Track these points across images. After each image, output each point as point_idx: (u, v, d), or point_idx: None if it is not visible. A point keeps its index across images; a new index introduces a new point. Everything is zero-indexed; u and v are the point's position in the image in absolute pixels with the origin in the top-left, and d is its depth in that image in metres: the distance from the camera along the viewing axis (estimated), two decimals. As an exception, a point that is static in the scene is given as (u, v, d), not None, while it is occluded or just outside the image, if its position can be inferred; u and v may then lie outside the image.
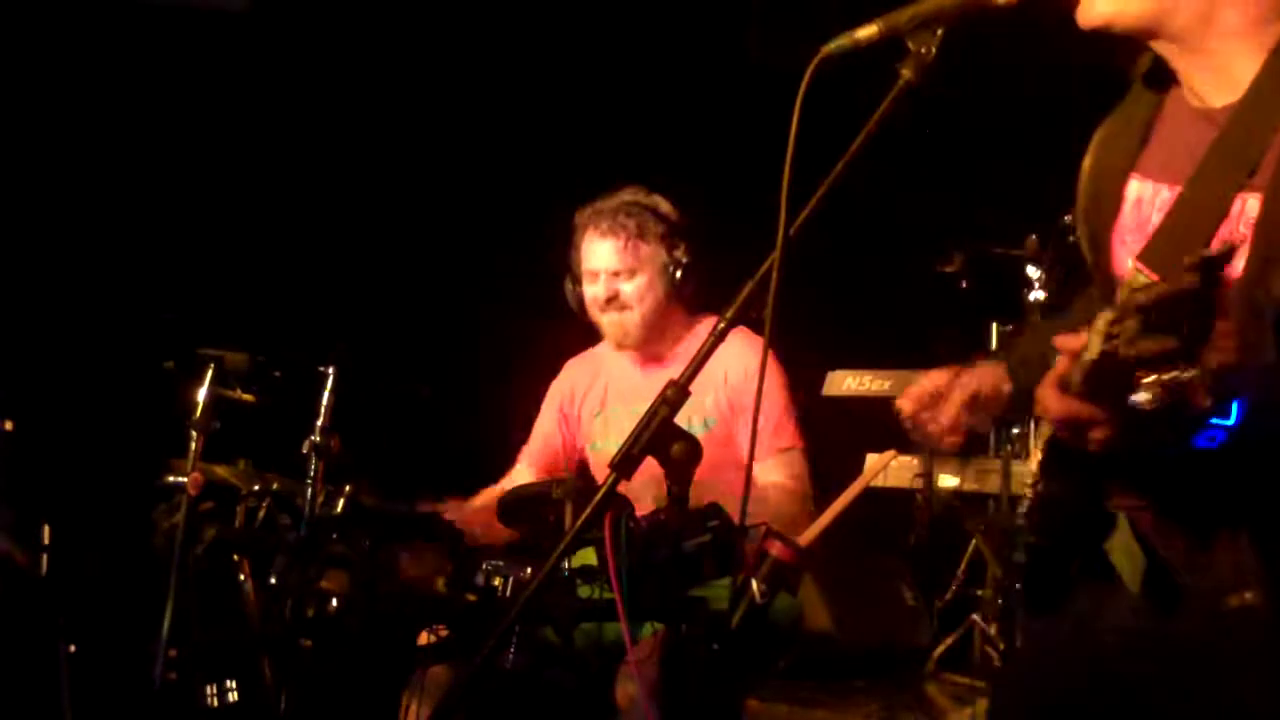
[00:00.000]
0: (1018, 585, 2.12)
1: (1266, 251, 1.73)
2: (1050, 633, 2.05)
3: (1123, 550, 1.90)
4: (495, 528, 3.41)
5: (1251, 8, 1.83)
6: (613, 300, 3.64)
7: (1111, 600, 1.94)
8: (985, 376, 2.16)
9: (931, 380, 2.16)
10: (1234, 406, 1.63)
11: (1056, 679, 2.03)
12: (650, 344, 3.69)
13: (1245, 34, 1.84)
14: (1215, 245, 1.69)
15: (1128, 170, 1.96)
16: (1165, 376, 1.49)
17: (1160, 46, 1.91)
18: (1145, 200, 1.93)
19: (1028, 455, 4.08)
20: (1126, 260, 1.93)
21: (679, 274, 3.64)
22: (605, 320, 3.68)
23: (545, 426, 3.87)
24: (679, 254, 3.65)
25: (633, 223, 3.62)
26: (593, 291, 3.68)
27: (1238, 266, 1.74)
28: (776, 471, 3.55)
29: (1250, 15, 1.83)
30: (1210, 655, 1.85)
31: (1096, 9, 1.87)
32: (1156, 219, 1.90)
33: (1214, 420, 1.63)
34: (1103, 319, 1.51)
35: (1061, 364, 1.68)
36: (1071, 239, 2.24)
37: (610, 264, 3.63)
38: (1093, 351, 1.52)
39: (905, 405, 2.16)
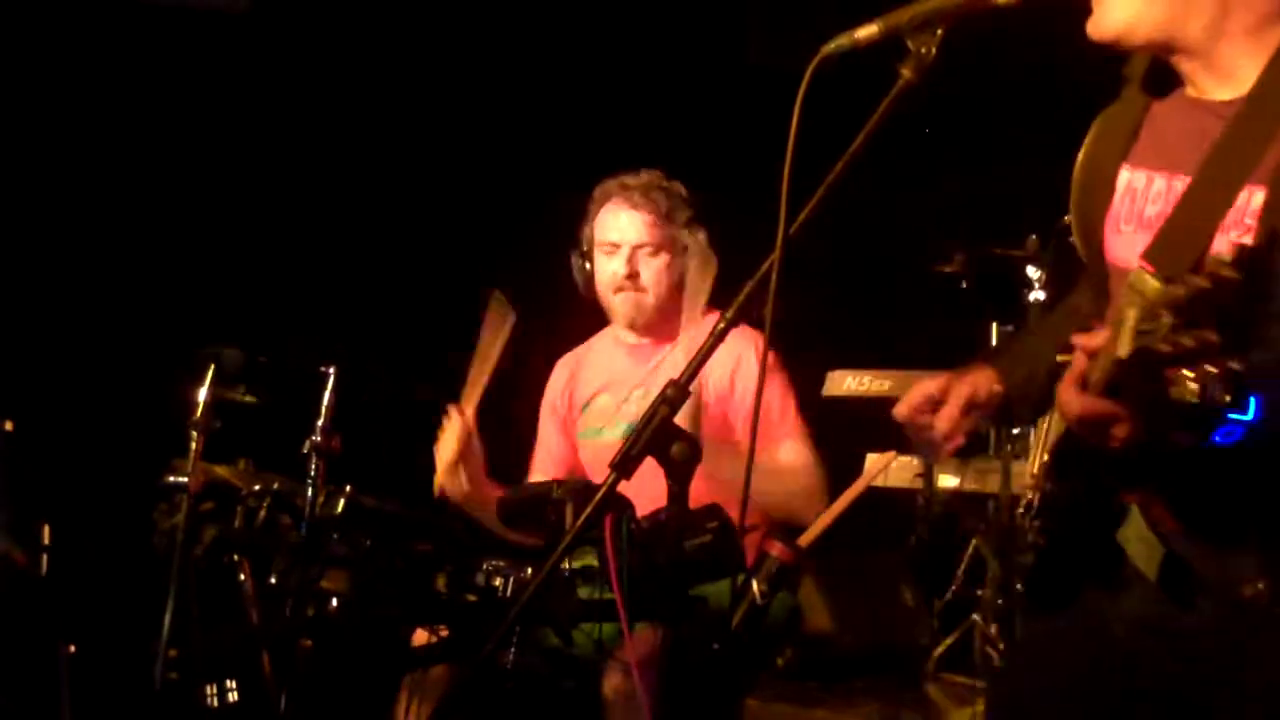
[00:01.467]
0: (1018, 585, 2.13)
1: (1270, 241, 1.73)
2: (1058, 629, 2.05)
3: (1138, 539, 1.91)
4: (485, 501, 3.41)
5: (1257, 10, 1.85)
6: (633, 277, 3.60)
7: (1124, 593, 1.94)
8: (979, 380, 2.16)
9: (927, 386, 2.16)
10: (1252, 402, 1.63)
11: (1067, 672, 2.03)
12: (654, 327, 3.67)
13: (1249, 35, 1.86)
14: (1251, 238, 1.72)
15: (1120, 160, 1.98)
16: (1210, 369, 1.48)
17: (1166, 54, 1.92)
18: (1139, 189, 1.95)
19: (1028, 455, 4.08)
20: (1119, 248, 1.96)
21: (696, 260, 3.62)
22: (618, 298, 3.64)
23: (546, 434, 3.86)
24: (701, 239, 3.64)
25: (664, 201, 3.60)
26: (610, 266, 3.63)
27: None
28: (787, 452, 3.52)
29: (1256, 16, 1.86)
30: (1225, 645, 1.86)
31: (1108, 21, 1.89)
32: (1152, 209, 1.92)
33: (1233, 415, 1.64)
34: (1131, 316, 1.51)
35: (1079, 362, 1.69)
36: (1071, 238, 2.25)
37: (636, 237, 3.59)
38: (1123, 350, 1.52)
39: (902, 412, 2.17)
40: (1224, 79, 1.89)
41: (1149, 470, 1.84)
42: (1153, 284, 1.61)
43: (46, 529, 3.90)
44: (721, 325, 1.98)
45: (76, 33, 4.81)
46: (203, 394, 3.34)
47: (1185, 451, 1.72)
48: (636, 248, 3.59)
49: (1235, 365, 1.47)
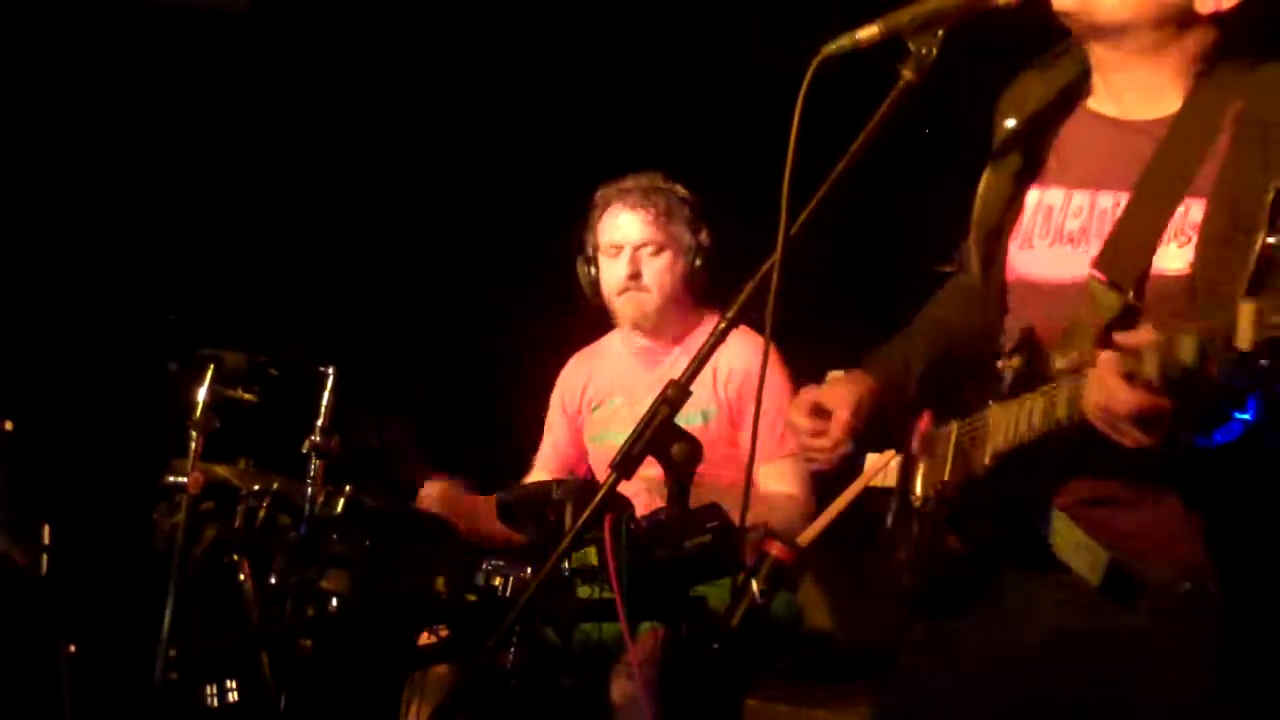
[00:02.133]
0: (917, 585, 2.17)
1: (1209, 252, 1.83)
2: (969, 637, 2.07)
3: (1074, 547, 1.94)
4: (486, 524, 3.41)
5: (1203, 41, 1.93)
6: (635, 278, 3.61)
7: (1040, 598, 1.98)
8: (861, 388, 2.22)
9: (810, 394, 2.22)
10: (1250, 402, 1.69)
11: (975, 675, 2.06)
12: (661, 327, 3.67)
13: (1187, 61, 1.94)
14: (1192, 248, 1.83)
15: (1025, 181, 2.07)
16: None
17: (1105, 53, 1.98)
18: (1055, 206, 2.02)
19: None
20: (1028, 263, 2.04)
21: (698, 260, 3.63)
22: (622, 300, 3.64)
23: (553, 431, 3.86)
24: (703, 237, 3.65)
25: (663, 200, 3.62)
26: (614, 269, 3.63)
27: (1181, 264, 1.86)
28: (785, 478, 3.54)
29: (1199, 47, 1.93)
30: (1159, 645, 1.90)
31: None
32: (1074, 223, 1.99)
33: (1236, 415, 1.70)
34: (1248, 310, 1.54)
35: (1115, 359, 1.71)
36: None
37: (638, 237, 3.60)
38: (1245, 342, 1.54)
39: (801, 424, 2.21)
40: (1149, 99, 1.96)
41: (1107, 470, 1.89)
42: (1102, 289, 1.81)
43: (46, 529, 3.89)
44: (722, 325, 1.98)
45: (76, 33, 4.81)
46: (202, 394, 3.34)
47: (1181, 450, 1.77)
48: (638, 248, 3.60)
49: None
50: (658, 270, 3.61)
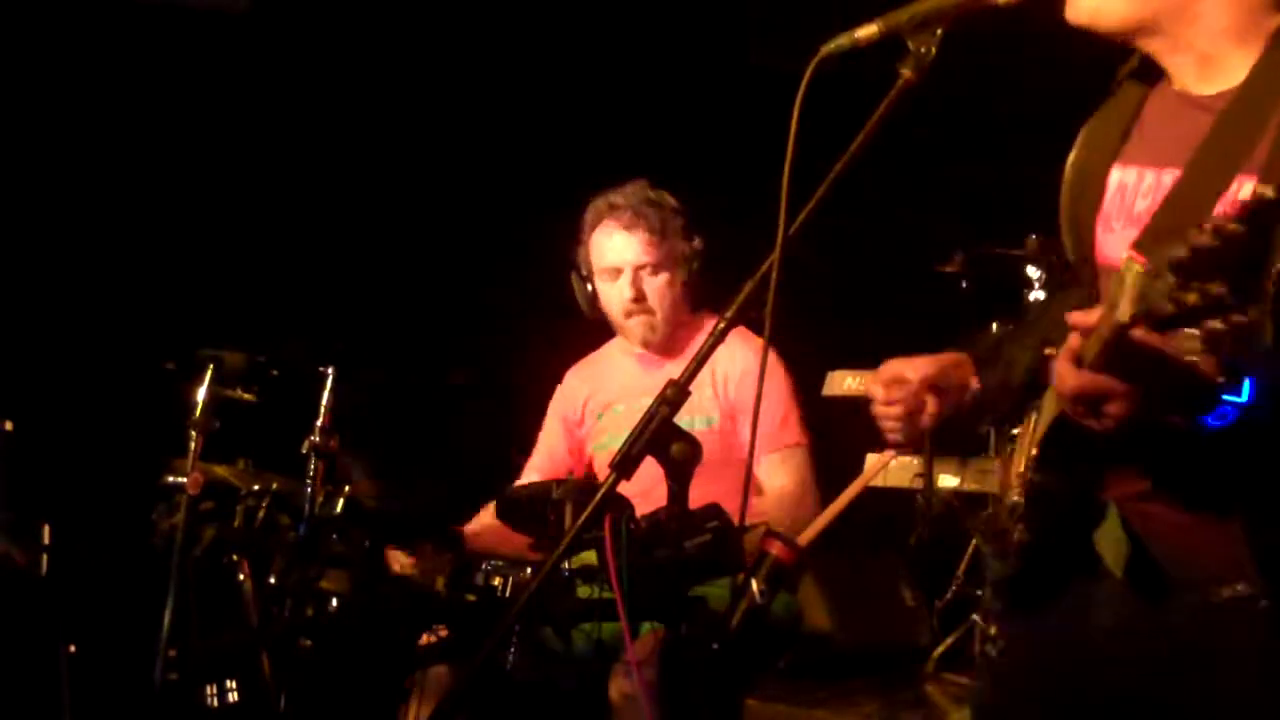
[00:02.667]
0: (996, 582, 2.14)
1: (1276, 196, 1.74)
2: (1039, 630, 2.05)
3: (1109, 538, 1.91)
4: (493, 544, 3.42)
5: (1235, 6, 1.86)
6: (639, 300, 3.59)
7: (1100, 594, 1.94)
8: (951, 365, 2.16)
9: (895, 366, 2.17)
10: (1246, 383, 1.64)
11: (1046, 677, 2.03)
12: (667, 339, 3.67)
13: (1235, 29, 1.87)
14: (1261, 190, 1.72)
15: (1111, 160, 1.99)
16: (1217, 325, 1.46)
17: (1147, 43, 1.93)
18: (1129, 186, 1.96)
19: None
20: (1111, 245, 1.96)
21: (695, 266, 3.63)
22: (631, 323, 3.63)
23: (549, 439, 3.85)
24: (695, 244, 3.64)
25: (655, 216, 3.59)
26: (616, 292, 3.62)
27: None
28: (781, 472, 3.54)
29: (1236, 13, 1.86)
30: (1201, 648, 1.85)
31: (1081, 6, 1.90)
32: (1143, 204, 1.93)
33: (1227, 396, 1.65)
34: (1130, 280, 1.50)
35: (1074, 340, 1.70)
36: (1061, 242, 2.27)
37: (636, 258, 3.58)
38: (1124, 313, 1.51)
39: (876, 391, 2.16)
40: (1211, 72, 1.89)
41: (1133, 459, 1.84)
42: (1138, 272, 1.62)
43: (46, 529, 3.89)
44: (722, 325, 1.97)
45: (77, 33, 4.81)
46: (202, 394, 3.34)
47: (1175, 437, 1.72)
48: (638, 269, 3.59)
49: (1240, 318, 1.45)
50: (659, 289, 3.60)
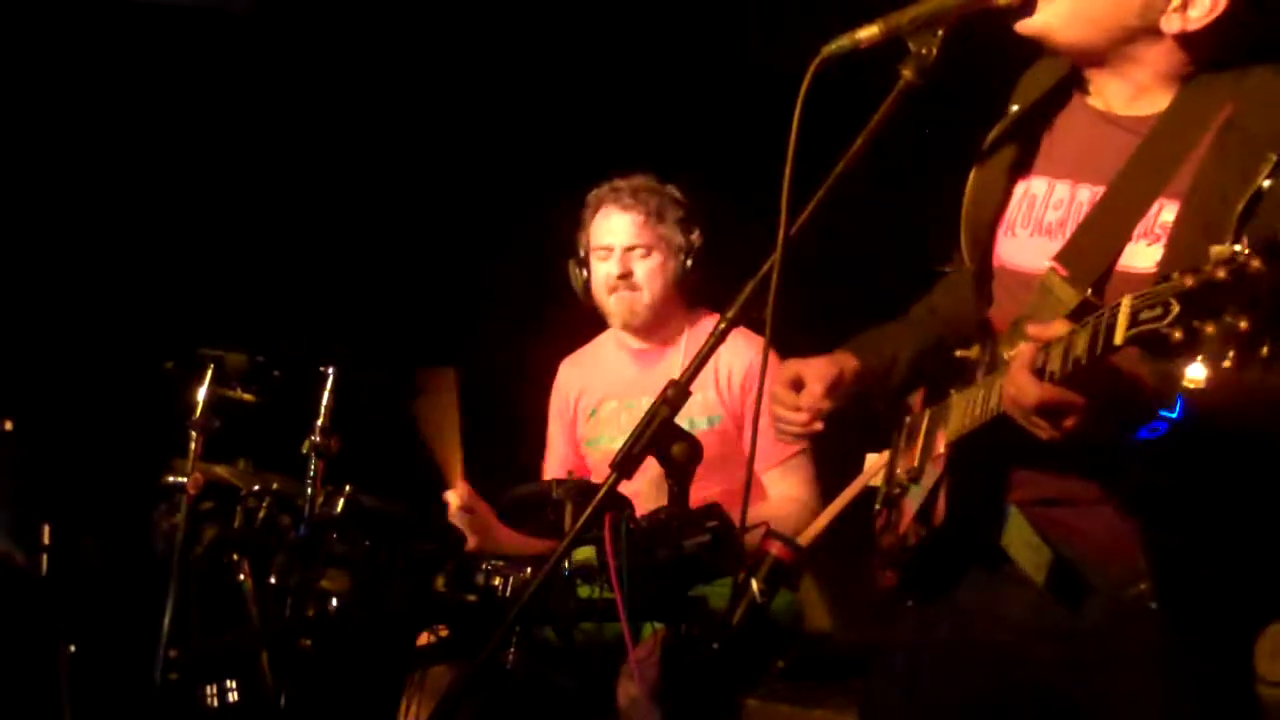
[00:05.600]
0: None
1: (1179, 253, 1.83)
2: (934, 625, 2.10)
3: (1024, 545, 1.95)
4: (500, 537, 3.42)
5: (1175, 55, 1.92)
6: (625, 277, 3.61)
7: (1009, 594, 1.99)
8: (841, 363, 2.24)
9: (792, 367, 2.23)
10: (1178, 400, 1.72)
11: (945, 672, 2.08)
12: (653, 328, 3.67)
13: (1168, 72, 1.94)
14: (1162, 249, 1.84)
15: (1017, 169, 2.07)
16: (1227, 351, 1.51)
17: (1087, 66, 2.00)
18: (1039, 196, 2.03)
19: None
20: (1011, 252, 2.05)
21: (690, 260, 3.63)
22: (613, 299, 3.64)
23: (554, 438, 3.86)
24: (694, 238, 3.64)
25: (653, 201, 3.61)
26: (604, 269, 3.64)
27: (1148, 263, 1.86)
28: (788, 481, 3.55)
29: (1174, 60, 1.93)
30: (1105, 647, 1.92)
31: (1033, 22, 1.95)
32: (1053, 215, 2.00)
33: (1162, 412, 1.74)
34: (1126, 306, 1.56)
35: (1029, 352, 1.74)
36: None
37: (627, 239, 3.60)
38: (1119, 336, 1.56)
39: (779, 393, 2.22)
40: (1136, 97, 1.95)
41: (1063, 463, 1.90)
42: (1060, 283, 1.83)
43: (46, 529, 3.89)
44: (722, 325, 1.98)
45: (77, 33, 4.81)
46: (202, 394, 3.34)
47: (1104, 446, 1.80)
48: (628, 249, 3.61)
49: (1259, 351, 1.50)
50: (648, 271, 3.61)
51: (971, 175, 2.15)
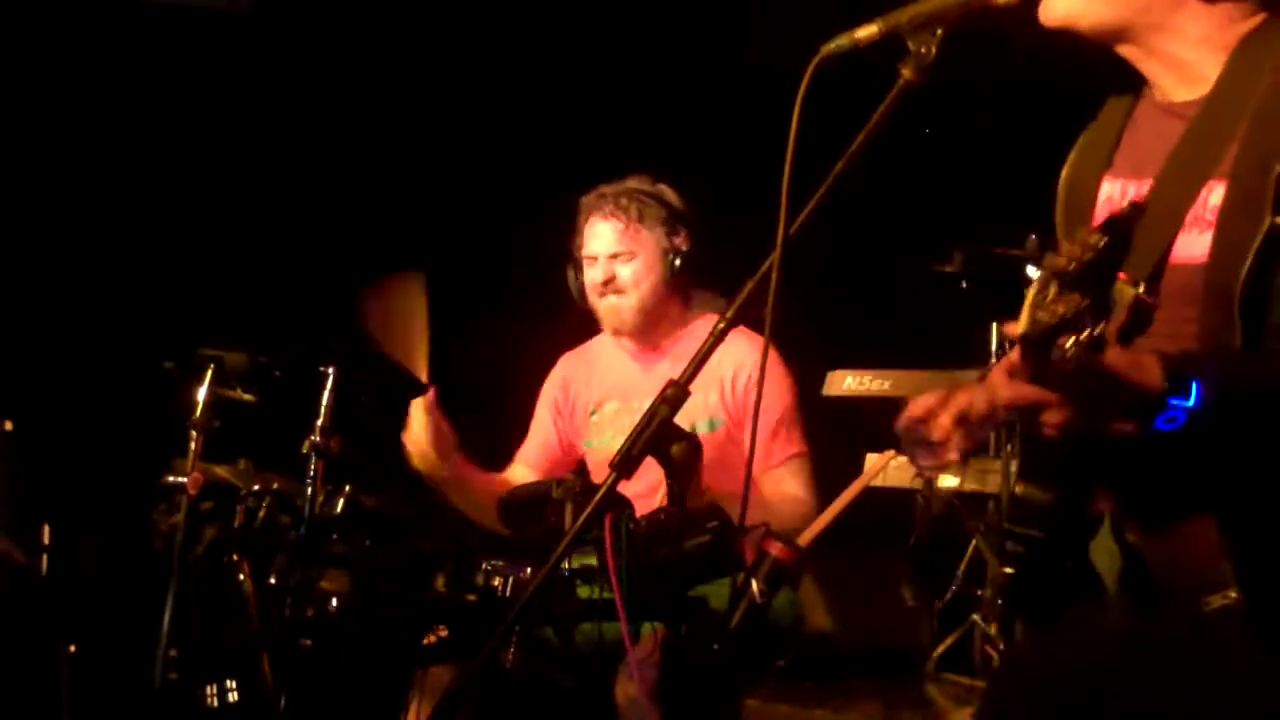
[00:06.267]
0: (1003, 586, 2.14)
1: (1225, 235, 1.78)
2: (1043, 639, 2.06)
3: (1103, 550, 1.91)
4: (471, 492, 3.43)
5: (1210, 16, 1.87)
6: (609, 283, 3.63)
7: (1100, 605, 1.94)
8: (979, 393, 2.16)
9: (929, 399, 2.16)
10: (1193, 387, 1.66)
11: (1047, 688, 2.03)
12: (645, 332, 3.68)
13: (1206, 37, 1.88)
14: (1211, 233, 1.77)
15: (1101, 171, 2.01)
16: (1082, 336, 1.53)
17: (1123, 50, 1.95)
18: (1114, 198, 1.98)
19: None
20: None
21: (678, 261, 3.63)
22: (602, 305, 3.66)
23: (541, 426, 3.86)
24: (679, 241, 3.64)
25: (634, 207, 3.61)
26: (591, 276, 3.66)
27: (1200, 251, 1.80)
28: (790, 481, 3.55)
29: (1210, 22, 1.88)
30: (1194, 659, 1.85)
31: (1054, 10, 1.91)
32: None
33: (1173, 400, 1.67)
34: (1029, 293, 1.55)
35: (1014, 352, 1.70)
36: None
37: (609, 247, 3.62)
38: (1020, 327, 1.56)
39: (903, 422, 2.16)
40: (1186, 79, 1.90)
41: (1111, 471, 1.85)
42: (1119, 284, 1.68)
43: (46, 529, 3.89)
44: (722, 325, 1.97)
45: (77, 33, 4.81)
46: (202, 394, 3.34)
47: (1133, 442, 1.73)
48: (610, 257, 3.63)
49: (1090, 333, 1.52)
50: (632, 275, 3.62)
51: (1061, 178, 2.09)
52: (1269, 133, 1.77)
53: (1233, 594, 1.79)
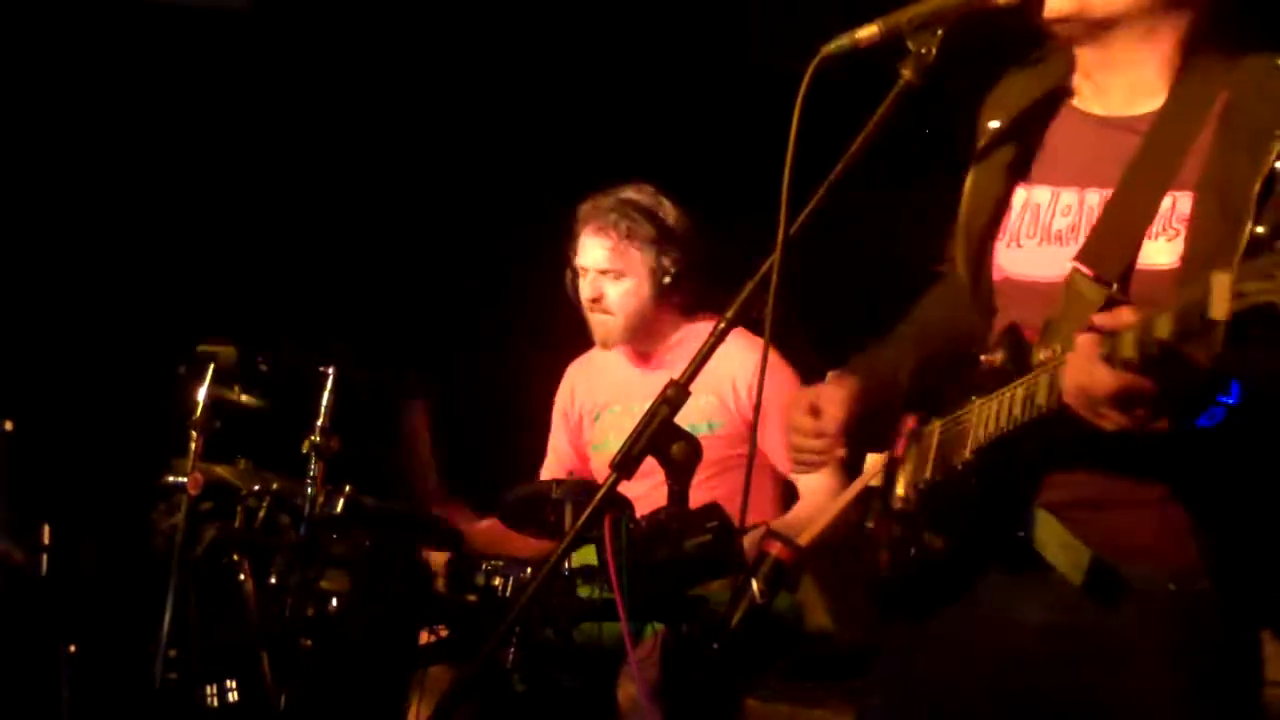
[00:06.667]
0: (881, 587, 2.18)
1: (1200, 242, 1.84)
2: (947, 633, 2.07)
3: (1059, 547, 1.94)
4: (498, 544, 3.43)
5: (1178, 33, 1.94)
6: (598, 301, 3.63)
7: (1027, 593, 1.97)
8: (847, 391, 2.23)
9: (803, 398, 2.23)
10: (1233, 385, 1.72)
11: (957, 673, 2.06)
12: (636, 344, 3.69)
13: (1166, 58, 1.95)
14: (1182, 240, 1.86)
15: (1013, 178, 2.07)
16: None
17: (1091, 53, 1.99)
18: (1043, 205, 2.03)
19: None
20: (1016, 262, 2.05)
21: (667, 280, 3.62)
22: (592, 319, 3.69)
23: (557, 440, 3.87)
24: (668, 261, 3.61)
25: (624, 224, 3.59)
26: (582, 289, 3.68)
27: (1169, 258, 1.87)
28: (822, 472, 3.53)
29: (1173, 42, 1.95)
30: (1139, 646, 1.91)
31: (1061, 3, 1.93)
32: (1062, 221, 2.00)
33: (1219, 398, 1.72)
34: (1219, 283, 1.54)
35: (1093, 341, 1.72)
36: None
37: (598, 263, 3.63)
38: (1220, 311, 1.54)
39: (802, 423, 2.22)
40: (1136, 95, 1.97)
41: (1090, 464, 1.89)
42: (1087, 283, 1.84)
43: (46, 529, 3.89)
44: (721, 325, 1.97)
45: (77, 32, 4.80)
46: (202, 394, 3.34)
47: (1166, 437, 1.77)
48: (599, 273, 3.63)
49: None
50: (619, 295, 3.62)
51: (965, 187, 2.15)
52: (1240, 152, 1.83)
53: (1171, 585, 1.88)
